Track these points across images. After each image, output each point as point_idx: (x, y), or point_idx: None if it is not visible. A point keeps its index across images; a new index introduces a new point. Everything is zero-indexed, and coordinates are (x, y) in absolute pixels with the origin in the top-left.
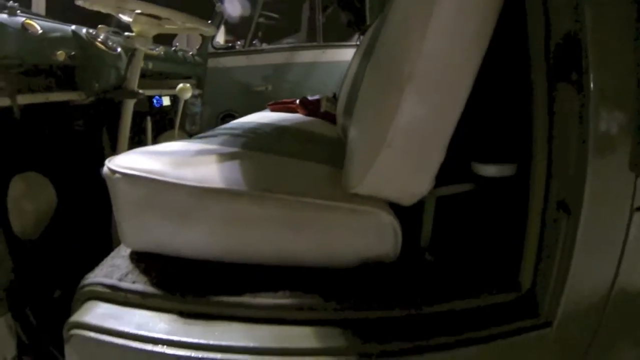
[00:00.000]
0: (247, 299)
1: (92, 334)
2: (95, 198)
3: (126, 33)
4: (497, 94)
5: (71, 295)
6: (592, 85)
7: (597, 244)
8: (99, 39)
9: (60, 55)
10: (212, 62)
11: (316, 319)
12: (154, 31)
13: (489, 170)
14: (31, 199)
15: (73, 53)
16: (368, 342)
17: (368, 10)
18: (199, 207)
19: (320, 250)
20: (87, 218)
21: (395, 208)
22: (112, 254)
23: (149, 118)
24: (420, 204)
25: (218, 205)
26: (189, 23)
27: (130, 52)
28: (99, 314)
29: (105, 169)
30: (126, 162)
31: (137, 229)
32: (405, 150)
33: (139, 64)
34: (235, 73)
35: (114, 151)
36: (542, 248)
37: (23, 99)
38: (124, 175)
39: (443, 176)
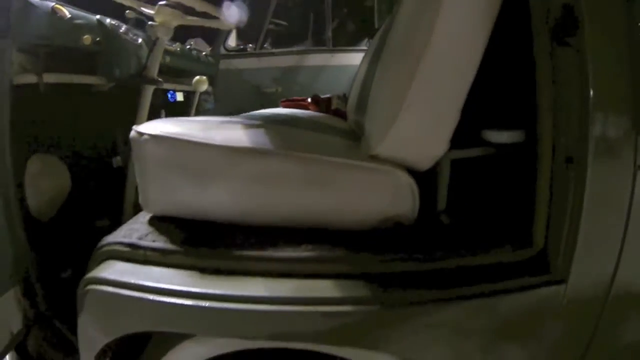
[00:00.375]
0: (269, 252)
1: (110, 289)
2: (107, 186)
3: (150, 22)
4: (504, 66)
5: (80, 276)
6: (588, 48)
7: (605, 200)
8: (121, 30)
9: (87, 39)
10: (223, 64)
11: (338, 273)
12: (176, 22)
13: (500, 136)
14: (47, 178)
15: (98, 39)
16: (388, 293)
17: (376, 13)
18: (227, 166)
19: (342, 209)
20: (99, 205)
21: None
22: (131, 220)
23: (163, 111)
24: (434, 175)
25: (245, 163)
26: (212, 12)
27: (152, 42)
28: (117, 270)
29: (132, 133)
30: (154, 126)
31: (162, 191)
32: (423, 112)
33: (160, 53)
34: (246, 75)
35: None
36: (553, 206)
37: (48, 77)
38: (152, 136)
39: (456, 146)
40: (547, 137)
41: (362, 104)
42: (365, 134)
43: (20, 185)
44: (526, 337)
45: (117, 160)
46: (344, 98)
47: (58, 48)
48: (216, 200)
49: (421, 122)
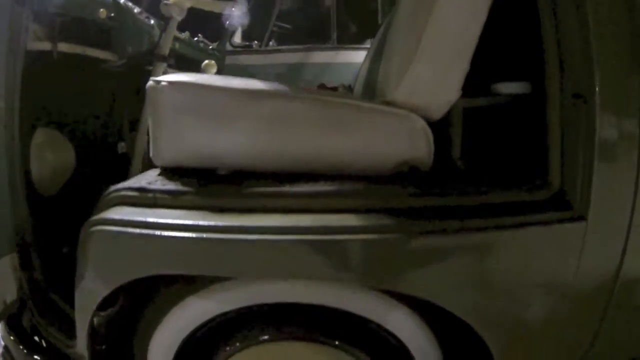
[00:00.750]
0: (285, 188)
1: (118, 228)
2: (111, 171)
3: (164, 1)
4: (510, 23)
5: None
6: None
7: (617, 136)
8: (135, 11)
9: (102, 13)
10: (229, 60)
11: (358, 207)
12: (189, 3)
13: (508, 87)
14: (52, 153)
15: (112, 15)
16: (410, 224)
17: (380, 12)
18: (245, 108)
19: (360, 151)
20: (103, 187)
21: None
22: (138, 175)
23: None
24: (447, 127)
25: (264, 106)
26: None
27: (165, 21)
28: (126, 212)
29: (149, 83)
30: (170, 76)
31: (175, 137)
32: (435, 58)
33: (172, 32)
34: (251, 71)
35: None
36: (566, 145)
37: (62, 47)
38: (170, 82)
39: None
40: (555, 76)
41: (367, 92)
42: (381, 80)
43: (25, 157)
44: (548, 282)
45: (122, 147)
46: (350, 89)
47: (74, 19)
48: (232, 143)
49: (434, 68)
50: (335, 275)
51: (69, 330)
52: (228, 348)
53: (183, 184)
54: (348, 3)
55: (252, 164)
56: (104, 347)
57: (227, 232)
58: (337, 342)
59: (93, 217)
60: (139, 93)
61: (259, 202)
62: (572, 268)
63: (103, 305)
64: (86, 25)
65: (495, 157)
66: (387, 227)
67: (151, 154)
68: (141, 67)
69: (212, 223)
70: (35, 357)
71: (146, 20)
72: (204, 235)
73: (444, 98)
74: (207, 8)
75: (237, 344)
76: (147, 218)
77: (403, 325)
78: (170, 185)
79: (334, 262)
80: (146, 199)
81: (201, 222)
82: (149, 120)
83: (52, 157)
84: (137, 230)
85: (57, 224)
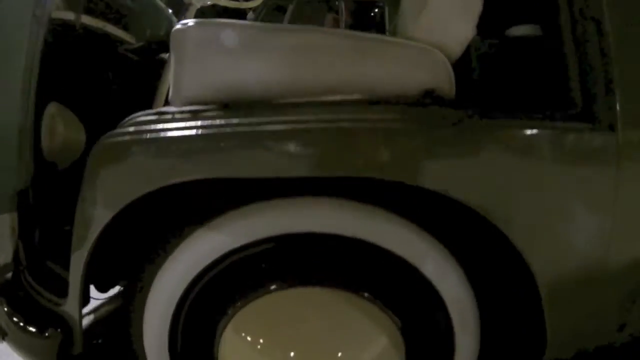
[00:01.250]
0: (313, 97)
1: (132, 137)
2: None
3: None
4: None
5: None
6: None
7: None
8: None
9: None
10: None
11: (384, 113)
12: None
13: (521, 30)
14: (63, 125)
15: None
16: (433, 119)
17: (387, 18)
18: (272, 40)
19: (383, 80)
20: None
21: None
22: None
23: None
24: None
25: (291, 36)
26: None
27: (184, 7)
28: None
29: (176, 26)
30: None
31: (199, 72)
32: None
33: (191, 19)
34: None
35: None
36: (584, 62)
37: (85, 19)
38: (197, 23)
39: None
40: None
41: None
42: (401, 22)
43: (37, 121)
44: (585, 197)
45: None
46: None
47: None
48: (257, 73)
49: (450, 5)
50: (359, 167)
51: (61, 290)
52: (242, 299)
53: (204, 105)
54: (356, 24)
55: (276, 94)
56: (100, 340)
57: (245, 125)
58: (366, 294)
59: (106, 134)
60: (153, 83)
61: (286, 112)
62: (610, 181)
63: (102, 285)
64: (109, 1)
65: (514, 94)
66: (414, 120)
67: (170, 96)
68: (156, 55)
69: (231, 120)
70: (30, 328)
71: (166, 8)
72: (227, 130)
73: (461, 34)
74: (221, 3)
75: (256, 290)
76: (164, 125)
77: (436, 263)
78: (192, 107)
79: (358, 153)
80: (164, 118)
81: (220, 121)
82: (171, 63)
83: (62, 130)
84: (153, 135)
85: (62, 201)
